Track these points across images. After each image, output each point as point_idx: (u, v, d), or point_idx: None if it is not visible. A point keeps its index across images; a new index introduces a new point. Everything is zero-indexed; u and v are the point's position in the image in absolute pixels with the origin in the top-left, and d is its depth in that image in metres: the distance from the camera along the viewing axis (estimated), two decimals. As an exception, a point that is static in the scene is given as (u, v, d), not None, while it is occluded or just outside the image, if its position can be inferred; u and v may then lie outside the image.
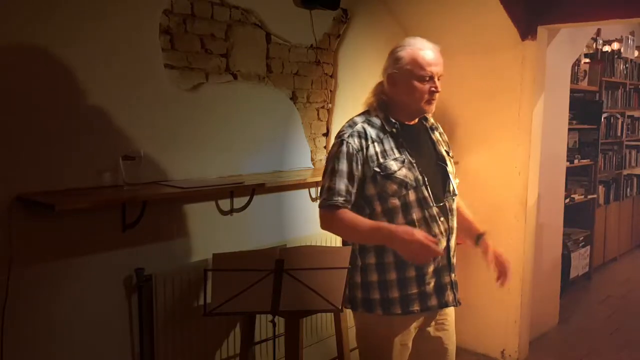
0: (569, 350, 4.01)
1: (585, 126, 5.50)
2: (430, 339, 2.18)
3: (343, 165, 2.01)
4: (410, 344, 2.14)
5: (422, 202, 2.03)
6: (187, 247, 2.75)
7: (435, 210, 2.04)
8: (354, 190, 2.02)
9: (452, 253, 2.13)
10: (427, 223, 2.03)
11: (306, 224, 3.25)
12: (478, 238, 2.27)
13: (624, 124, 6.44)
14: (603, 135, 5.82)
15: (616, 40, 5.96)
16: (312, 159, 3.38)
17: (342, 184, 2.00)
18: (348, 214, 2.00)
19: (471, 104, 3.80)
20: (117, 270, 2.50)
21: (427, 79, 2.04)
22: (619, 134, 6.37)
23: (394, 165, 2.01)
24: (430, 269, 2.06)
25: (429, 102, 2.07)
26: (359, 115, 2.14)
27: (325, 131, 3.45)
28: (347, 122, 2.12)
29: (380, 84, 2.15)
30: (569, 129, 4.76)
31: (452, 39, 3.65)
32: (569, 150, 4.88)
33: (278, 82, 3.15)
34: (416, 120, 2.16)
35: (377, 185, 2.01)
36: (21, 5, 2.17)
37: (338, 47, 3.47)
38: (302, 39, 3.23)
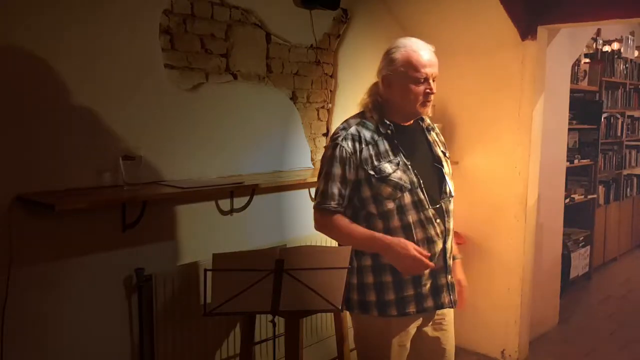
0: (569, 350, 4.01)
1: (585, 126, 5.50)
2: (428, 339, 2.18)
3: (336, 169, 2.01)
4: (408, 345, 2.13)
5: (417, 205, 2.02)
6: (187, 247, 2.75)
7: (431, 212, 2.04)
8: (347, 194, 2.03)
9: (448, 255, 2.12)
10: (422, 225, 2.02)
11: (306, 224, 3.24)
12: (452, 259, 2.23)
13: (624, 124, 6.44)
14: (603, 135, 5.82)
15: (616, 40, 5.96)
16: (312, 159, 3.38)
17: (334, 188, 2.02)
18: (342, 221, 2.03)
19: (471, 103, 3.80)
20: (117, 270, 2.50)
21: (422, 80, 2.02)
22: (619, 134, 6.36)
23: (388, 168, 2.00)
24: (427, 270, 2.05)
25: (424, 104, 2.06)
26: (354, 116, 2.13)
27: (325, 131, 3.45)
28: (341, 124, 2.11)
29: (376, 84, 2.13)
30: (569, 129, 4.76)
31: (452, 39, 3.65)
32: (569, 150, 4.88)
33: (278, 82, 3.15)
34: (412, 121, 2.15)
35: (372, 188, 2.01)
36: (20, 5, 2.17)
37: (338, 47, 3.47)
38: (302, 39, 3.23)
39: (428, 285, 2.08)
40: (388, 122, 2.06)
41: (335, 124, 3.41)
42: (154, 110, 2.60)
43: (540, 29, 3.55)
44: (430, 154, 2.16)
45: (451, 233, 2.14)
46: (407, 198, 2.01)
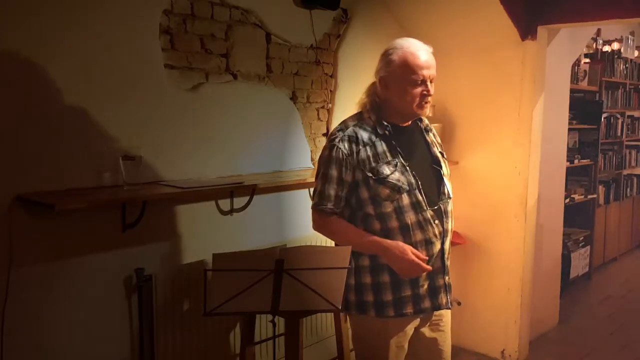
0: (569, 350, 4.01)
1: (585, 126, 5.50)
2: (426, 340, 2.18)
3: (333, 171, 2.02)
4: (406, 346, 2.13)
5: (416, 206, 2.02)
6: (187, 247, 2.75)
7: (429, 213, 2.03)
8: (343, 195, 2.04)
9: (446, 255, 2.12)
10: (421, 226, 2.02)
11: (306, 224, 3.21)
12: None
13: (624, 124, 6.44)
14: (603, 135, 5.83)
15: (616, 40, 5.96)
16: (312, 159, 3.38)
17: (331, 190, 2.02)
18: (340, 223, 2.04)
19: (471, 103, 3.80)
20: (117, 270, 2.50)
21: (419, 82, 2.01)
22: (619, 134, 6.37)
23: (386, 169, 1.99)
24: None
25: (421, 105, 2.05)
26: (352, 117, 2.12)
27: (325, 131, 3.45)
28: (339, 125, 2.11)
29: (374, 84, 2.13)
30: (569, 129, 4.76)
31: (452, 39, 3.65)
32: (569, 150, 4.88)
33: (278, 82, 3.15)
34: (410, 122, 2.14)
35: (370, 189, 2.00)
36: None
37: (338, 47, 3.47)
38: (302, 39, 3.23)
39: (426, 286, 2.08)
40: (386, 123, 2.06)
41: (335, 124, 3.40)
42: (154, 110, 2.60)
43: (540, 29, 3.55)
44: (428, 155, 2.16)
45: (450, 234, 2.13)
46: (406, 199, 2.00)
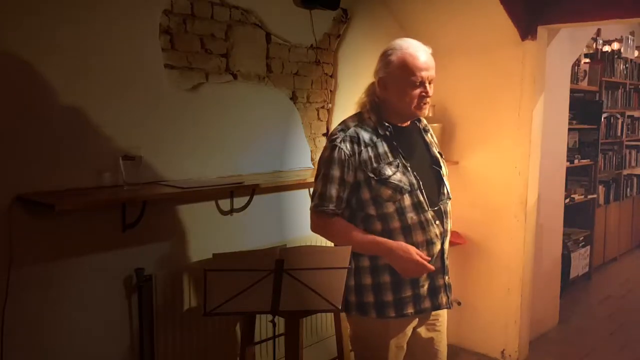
0: (569, 350, 4.01)
1: (585, 126, 5.50)
2: (422, 340, 2.18)
3: (335, 171, 2.00)
4: (405, 346, 2.13)
5: (417, 207, 2.02)
6: (187, 247, 2.75)
7: (430, 214, 2.04)
8: (345, 196, 2.02)
9: (446, 255, 2.13)
10: (422, 227, 2.02)
11: (306, 224, 3.18)
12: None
13: (624, 124, 6.45)
14: (603, 135, 5.83)
15: (616, 40, 5.96)
16: (312, 159, 3.38)
17: (333, 190, 2.00)
18: (341, 224, 2.03)
19: (471, 103, 3.80)
20: (117, 270, 2.50)
21: (418, 84, 2.01)
22: (619, 134, 6.37)
23: (388, 170, 1.99)
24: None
25: (420, 106, 2.05)
26: (352, 117, 2.12)
27: (325, 131, 3.45)
28: (339, 125, 2.10)
29: (373, 84, 2.12)
30: (569, 129, 4.76)
31: (452, 39, 3.65)
32: (569, 150, 4.88)
33: (278, 82, 3.15)
34: (409, 122, 2.14)
35: (372, 190, 2.00)
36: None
37: (338, 47, 3.47)
38: (302, 39, 3.23)
39: (426, 286, 2.08)
40: (387, 124, 2.05)
41: (335, 123, 3.39)
42: (154, 110, 2.60)
43: (540, 29, 3.55)
44: (428, 155, 2.16)
45: (449, 234, 2.13)
46: (407, 200, 2.00)
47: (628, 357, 3.92)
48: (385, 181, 1.98)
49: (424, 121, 2.22)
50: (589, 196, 5.56)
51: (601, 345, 4.08)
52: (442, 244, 2.08)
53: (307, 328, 3.21)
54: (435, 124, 3.70)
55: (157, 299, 2.56)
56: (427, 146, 2.18)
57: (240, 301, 2.07)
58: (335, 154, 2.00)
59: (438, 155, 2.17)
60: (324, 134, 3.44)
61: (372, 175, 1.99)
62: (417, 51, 2.02)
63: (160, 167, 2.63)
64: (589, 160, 5.56)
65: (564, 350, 4.01)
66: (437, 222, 2.05)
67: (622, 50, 6.00)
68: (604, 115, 5.85)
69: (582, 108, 5.50)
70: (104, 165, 2.43)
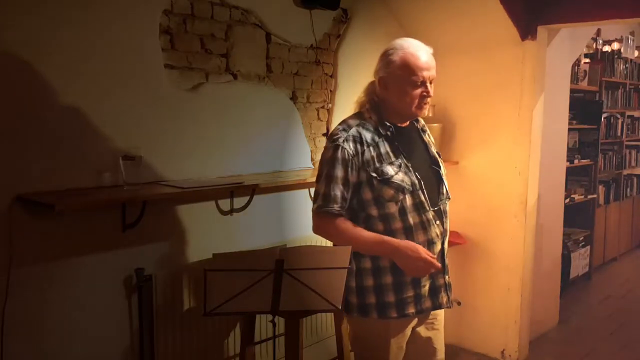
0: (569, 350, 4.01)
1: (585, 126, 5.50)
2: (421, 340, 2.18)
3: (338, 171, 1.98)
4: (405, 346, 2.13)
5: (418, 207, 2.01)
6: (187, 247, 2.75)
7: (431, 213, 2.03)
8: (348, 197, 2.00)
9: (446, 255, 2.13)
10: (424, 227, 2.02)
11: (306, 224, 3.21)
12: None
13: (624, 124, 6.45)
14: (603, 135, 5.83)
15: (616, 40, 5.96)
16: (312, 159, 3.38)
17: (337, 191, 1.98)
18: (346, 224, 2.00)
19: (471, 103, 3.80)
20: (117, 270, 2.50)
21: (419, 84, 2.00)
22: (619, 134, 6.37)
23: (390, 170, 1.98)
24: None
25: (420, 106, 2.04)
26: (353, 117, 2.10)
27: (325, 131, 3.45)
28: (340, 125, 2.08)
29: (372, 83, 2.12)
30: (569, 129, 4.76)
31: (452, 39, 3.65)
32: (569, 150, 4.88)
33: (278, 82, 3.15)
34: (408, 122, 2.14)
35: (374, 190, 1.99)
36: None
37: (338, 47, 3.47)
38: (302, 39, 3.23)
39: (427, 286, 2.08)
40: (388, 124, 2.05)
41: (335, 123, 3.39)
42: (154, 110, 2.60)
43: (540, 29, 3.55)
44: (427, 155, 2.16)
45: (447, 234, 2.14)
46: (409, 200, 2.00)
47: (628, 357, 3.92)
48: (387, 181, 1.97)
49: (422, 121, 2.22)
50: (589, 196, 5.56)
51: (601, 345, 4.08)
52: (442, 243, 2.09)
53: (307, 328, 3.21)
54: (435, 124, 3.70)
55: (157, 299, 2.56)
56: (425, 146, 2.18)
57: (240, 301, 2.07)
58: (339, 153, 1.98)
59: (436, 155, 2.18)
60: (324, 134, 3.44)
61: (375, 175, 1.98)
62: (419, 51, 2.01)
63: (160, 167, 2.63)
64: (589, 160, 5.56)
65: (564, 350, 4.01)
66: (438, 222, 2.06)
67: (622, 50, 6.00)
68: (604, 115, 5.85)
69: (582, 108, 5.50)
70: (104, 165, 2.43)
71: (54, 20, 2.26)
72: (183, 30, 2.68)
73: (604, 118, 5.87)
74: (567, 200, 4.95)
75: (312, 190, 3.25)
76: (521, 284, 3.68)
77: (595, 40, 5.70)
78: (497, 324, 3.78)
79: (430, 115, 3.59)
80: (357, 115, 2.11)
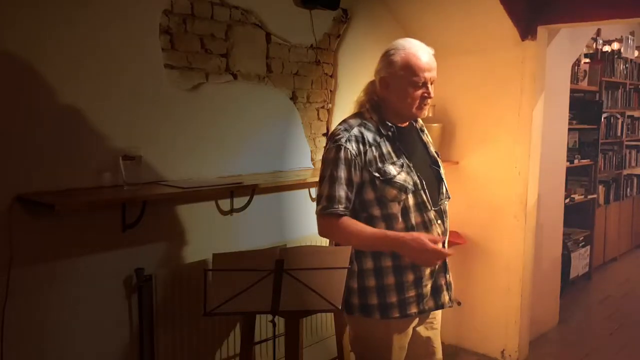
0: (569, 350, 4.01)
1: (585, 126, 5.50)
2: (421, 340, 2.18)
3: (342, 172, 1.96)
4: (406, 346, 2.13)
5: (420, 206, 2.01)
6: (187, 247, 2.75)
7: (432, 213, 2.04)
8: (352, 197, 1.99)
9: None
10: (425, 227, 2.02)
11: (306, 224, 3.25)
12: None
13: (624, 124, 6.44)
14: (603, 135, 5.83)
15: (616, 40, 5.96)
16: (312, 159, 3.38)
17: (341, 191, 1.96)
18: (350, 222, 1.98)
19: (471, 103, 3.80)
20: (117, 270, 2.50)
21: (420, 85, 2.00)
22: (619, 134, 6.37)
23: (393, 170, 1.98)
24: (428, 271, 2.05)
25: (421, 107, 2.04)
26: (353, 117, 2.09)
27: (325, 131, 3.45)
28: (341, 125, 2.06)
29: (372, 83, 2.11)
30: (569, 129, 4.76)
31: (452, 39, 3.66)
32: (569, 150, 4.88)
33: (278, 82, 3.15)
34: (407, 122, 2.14)
35: (377, 190, 1.98)
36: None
37: (338, 47, 3.47)
38: (302, 39, 3.23)
39: (429, 286, 2.08)
40: (390, 124, 2.05)
41: (335, 123, 3.39)
42: (154, 110, 2.60)
43: (540, 29, 3.55)
44: (427, 155, 2.16)
45: (447, 233, 2.14)
46: (411, 200, 1.99)
47: (628, 357, 3.92)
48: (390, 181, 1.97)
49: (420, 121, 2.22)
50: (589, 196, 5.56)
51: (601, 345, 4.08)
52: (443, 243, 2.08)
53: (307, 328, 3.21)
54: (435, 124, 3.70)
55: (157, 299, 2.56)
56: (425, 146, 2.18)
57: (240, 301, 2.07)
58: (342, 154, 1.97)
59: (436, 155, 2.18)
60: (324, 134, 3.44)
61: (378, 175, 1.97)
62: (421, 51, 2.01)
63: (160, 167, 2.63)
64: (589, 160, 5.56)
65: (564, 350, 4.01)
66: (439, 221, 2.06)
67: (622, 50, 5.99)
68: (604, 115, 5.85)
69: (582, 108, 5.50)
70: (104, 165, 2.43)
71: (54, 20, 2.26)
72: (183, 30, 2.68)
73: (604, 118, 5.87)
74: (567, 200, 4.95)
75: (312, 190, 3.28)
76: (521, 284, 3.68)
77: (595, 40, 5.70)
78: (497, 324, 3.78)
79: (430, 115, 3.59)
80: (358, 115, 2.10)
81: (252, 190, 2.86)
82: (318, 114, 3.41)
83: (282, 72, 3.16)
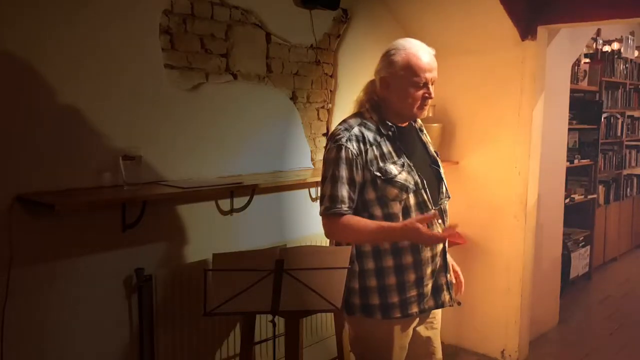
0: (569, 350, 4.01)
1: (585, 126, 5.50)
2: (421, 339, 2.19)
3: (343, 171, 1.96)
4: (407, 346, 2.14)
5: (421, 206, 2.02)
6: (187, 247, 2.75)
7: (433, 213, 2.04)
8: (355, 196, 1.99)
9: (446, 253, 2.14)
10: (426, 226, 2.02)
11: (306, 224, 3.25)
12: None
13: (624, 124, 6.45)
14: (603, 135, 5.83)
15: (616, 40, 5.96)
16: (312, 159, 3.38)
17: (344, 191, 1.96)
18: (352, 219, 1.97)
19: (471, 103, 3.80)
20: (117, 270, 2.50)
21: (421, 85, 2.00)
22: (619, 134, 6.37)
23: (394, 169, 1.98)
24: (429, 270, 2.06)
25: (421, 107, 2.04)
26: (353, 117, 2.09)
27: (325, 131, 3.45)
28: (341, 125, 2.06)
29: (372, 82, 2.11)
30: (569, 129, 4.76)
31: (452, 39, 3.65)
32: (569, 150, 4.88)
33: (278, 82, 3.15)
34: (407, 122, 2.13)
35: (378, 190, 1.98)
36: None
37: (338, 47, 3.47)
38: (302, 39, 3.23)
39: (430, 285, 2.08)
40: (390, 124, 2.05)
41: (335, 123, 3.39)
42: (154, 110, 2.60)
43: (540, 29, 3.55)
44: (426, 155, 2.16)
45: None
46: (412, 199, 2.00)
47: (628, 357, 3.92)
48: (391, 180, 1.97)
49: (419, 121, 2.22)
50: (589, 196, 5.56)
51: (601, 345, 4.08)
52: (443, 242, 2.09)
53: (307, 328, 3.21)
54: (435, 124, 3.71)
55: (157, 299, 2.56)
56: (424, 146, 2.18)
57: (240, 301, 2.07)
58: (343, 153, 1.97)
59: (435, 155, 2.18)
60: (324, 134, 3.44)
61: (379, 175, 1.97)
62: (421, 52, 2.01)
63: (160, 167, 2.63)
64: (589, 160, 5.56)
65: (564, 350, 4.01)
66: (439, 221, 2.06)
67: (622, 50, 6.00)
68: (604, 115, 5.85)
69: (582, 108, 5.50)
70: (104, 165, 2.43)
71: (54, 20, 2.26)
72: (183, 30, 2.68)
73: (604, 118, 5.87)
74: (567, 200, 4.95)
75: (313, 190, 3.28)
76: (521, 284, 3.68)
77: (595, 40, 5.70)
78: (497, 324, 3.78)
79: (430, 115, 3.59)
80: (358, 115, 2.10)
81: (252, 190, 2.86)
82: (318, 114, 3.41)
83: (282, 72, 3.16)
